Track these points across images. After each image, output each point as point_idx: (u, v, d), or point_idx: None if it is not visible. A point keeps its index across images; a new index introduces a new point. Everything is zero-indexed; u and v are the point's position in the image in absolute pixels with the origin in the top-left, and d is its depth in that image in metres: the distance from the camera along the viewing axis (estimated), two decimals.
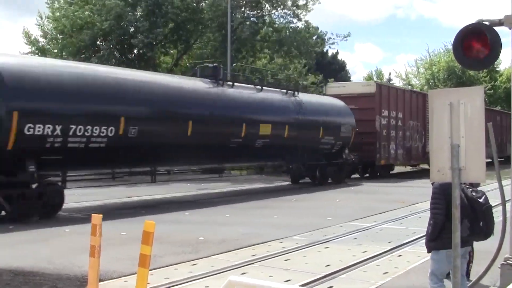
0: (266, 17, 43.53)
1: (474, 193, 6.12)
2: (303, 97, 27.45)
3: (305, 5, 43.24)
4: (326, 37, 50.35)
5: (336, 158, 28.59)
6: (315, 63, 49.08)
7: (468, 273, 8.45)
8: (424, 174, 36.92)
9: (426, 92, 37.66)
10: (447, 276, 7.00)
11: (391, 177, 34.38)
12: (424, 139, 37.22)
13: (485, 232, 6.13)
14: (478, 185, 6.91)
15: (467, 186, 6.14)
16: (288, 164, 28.55)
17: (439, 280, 6.45)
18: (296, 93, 26.79)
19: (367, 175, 34.23)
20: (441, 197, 6.11)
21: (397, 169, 39.31)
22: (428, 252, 6.47)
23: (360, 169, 33.89)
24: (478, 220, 6.06)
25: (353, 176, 33.15)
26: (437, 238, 6.20)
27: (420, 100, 37.90)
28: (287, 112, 25.24)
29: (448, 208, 5.84)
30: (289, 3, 42.90)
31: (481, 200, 6.06)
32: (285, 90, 26.46)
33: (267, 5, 43.05)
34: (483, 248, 8.08)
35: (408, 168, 41.44)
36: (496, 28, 6.83)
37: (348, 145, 29.28)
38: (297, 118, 25.43)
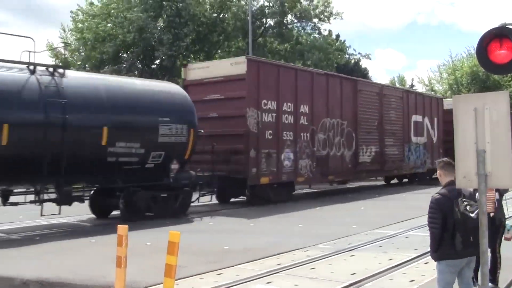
0: (289, 27, 43.62)
1: (468, 207, 6.05)
2: (74, 79, 16.53)
3: (328, 17, 43.45)
4: (347, 51, 50.66)
5: (157, 177, 18.02)
6: (337, 70, 49.01)
7: (496, 281, 8.37)
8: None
9: (357, 79, 29.94)
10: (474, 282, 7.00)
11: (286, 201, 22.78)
12: (355, 145, 27.37)
13: (476, 245, 6.03)
14: (506, 191, 6.86)
15: (464, 199, 6.11)
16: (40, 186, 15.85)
17: None
18: (59, 72, 16.14)
19: (237, 198, 23.68)
20: (437, 211, 6.22)
21: (313, 187, 29.76)
22: (435, 261, 6.55)
23: (228, 191, 22.98)
24: (469, 235, 6.04)
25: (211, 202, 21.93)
26: (438, 250, 6.29)
27: (347, 88, 27.20)
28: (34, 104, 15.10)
29: (444, 221, 6.11)
30: (312, 13, 43.05)
31: (473, 215, 5.99)
32: (32, 67, 15.59)
33: (289, 16, 43.20)
34: (510, 256, 7.99)
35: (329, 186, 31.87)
36: None
37: (183, 156, 18.66)
38: (51, 114, 15.08)
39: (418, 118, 33.96)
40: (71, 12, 40.27)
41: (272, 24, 42.49)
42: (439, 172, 6.57)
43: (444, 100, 37.15)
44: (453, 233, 6.07)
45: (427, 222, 6.45)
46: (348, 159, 27.00)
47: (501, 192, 8.47)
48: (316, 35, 46.30)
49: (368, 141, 29.02)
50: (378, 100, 30.13)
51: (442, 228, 6.14)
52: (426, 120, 34.80)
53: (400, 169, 32.19)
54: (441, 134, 35.94)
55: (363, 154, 28.48)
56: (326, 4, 43.68)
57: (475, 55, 9.50)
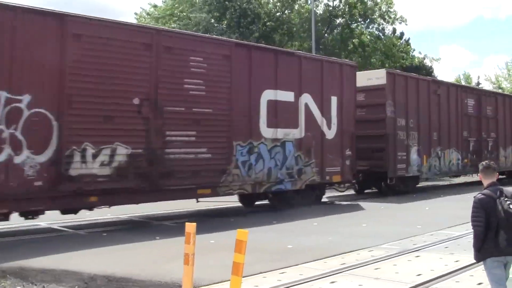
0: (354, 26, 43.35)
1: (511, 205, 6.19)
2: None
3: (392, 20, 43.04)
4: (411, 51, 50.10)
5: None
6: (402, 68, 48.46)
7: None
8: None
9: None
10: None
11: None
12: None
13: None
14: None
15: (506, 199, 6.25)
16: None
17: (499, 285, 6.50)
18: None
19: None
20: (480, 210, 6.34)
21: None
22: (477, 262, 6.76)
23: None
24: None
25: None
26: (481, 249, 6.40)
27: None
28: None
29: (487, 220, 6.25)
30: (377, 13, 42.72)
31: None
32: None
33: (353, 16, 42.96)
34: None
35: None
36: None
37: None
38: None
39: (283, 94, 19.58)
40: (135, 14, 41.08)
41: (338, 23, 42.27)
42: (480, 175, 6.76)
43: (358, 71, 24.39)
44: (497, 231, 6.20)
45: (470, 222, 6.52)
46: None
47: None
48: (380, 34, 45.83)
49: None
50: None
51: (486, 227, 6.26)
52: (306, 100, 20.50)
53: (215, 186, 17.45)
54: (346, 124, 22.15)
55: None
56: (389, 4, 43.25)
57: None
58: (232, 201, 20.95)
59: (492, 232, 6.24)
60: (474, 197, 6.53)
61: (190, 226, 6.32)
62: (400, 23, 43.41)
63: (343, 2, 41.80)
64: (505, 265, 6.47)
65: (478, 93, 33.67)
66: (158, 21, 38.79)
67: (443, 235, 13.86)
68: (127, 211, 17.68)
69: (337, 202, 23.00)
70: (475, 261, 6.71)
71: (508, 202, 6.22)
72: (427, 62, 55.61)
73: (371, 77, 25.81)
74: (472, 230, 6.45)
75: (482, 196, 6.41)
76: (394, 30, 49.70)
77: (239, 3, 38.09)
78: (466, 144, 31.15)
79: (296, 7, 41.43)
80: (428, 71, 58.65)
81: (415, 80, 27.56)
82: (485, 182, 6.60)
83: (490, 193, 6.39)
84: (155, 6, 40.75)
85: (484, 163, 6.84)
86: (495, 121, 33.62)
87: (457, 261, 10.71)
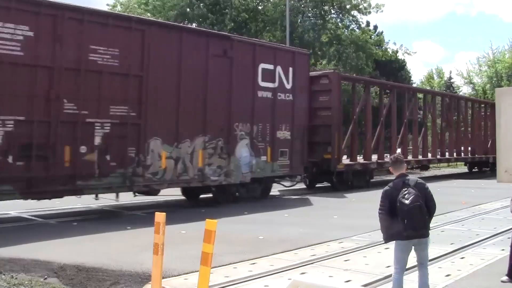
0: (327, 18, 43.20)
1: (406, 195, 6.86)
2: None
3: (367, 10, 42.94)
4: (385, 44, 50.33)
5: None
6: (375, 62, 48.63)
7: None
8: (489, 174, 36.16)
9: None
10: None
11: None
12: None
13: (414, 228, 6.92)
14: None
15: (405, 189, 6.92)
16: None
17: (398, 267, 7.24)
18: None
19: None
20: (385, 200, 7.03)
21: None
22: (385, 243, 7.68)
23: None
24: (405, 219, 6.83)
25: None
26: (390, 233, 7.08)
27: None
28: None
29: (391, 208, 6.92)
30: (348, 6, 42.63)
31: (407, 202, 6.79)
32: None
33: (326, 7, 42.79)
34: None
35: None
36: None
37: None
38: None
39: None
40: (107, 5, 40.70)
41: (310, 16, 42.12)
42: (390, 167, 7.43)
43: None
44: (402, 218, 6.86)
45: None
46: None
47: None
48: (355, 28, 45.83)
49: None
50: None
51: (388, 213, 6.96)
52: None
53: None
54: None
55: None
56: None
57: None
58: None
59: (398, 219, 6.87)
60: (384, 188, 7.16)
61: (160, 216, 6.29)
62: (376, 12, 43.28)
63: None
64: (413, 247, 7.16)
65: None
66: (130, 8, 38.40)
67: None
68: (98, 201, 17.54)
69: (285, 197, 22.93)
70: (383, 241, 7.47)
71: (405, 192, 6.88)
72: (400, 55, 55.92)
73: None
74: (378, 216, 7.13)
75: (388, 187, 7.10)
76: (368, 23, 49.88)
77: None
78: None
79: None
80: (401, 65, 59.06)
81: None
82: (395, 174, 7.26)
83: (395, 184, 7.07)
84: None
85: (393, 156, 7.59)
86: None
87: None
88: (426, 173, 38.26)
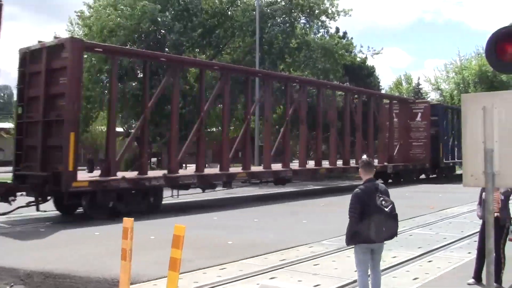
0: (295, 24, 43.19)
1: (383, 202, 6.90)
2: None
3: (335, 15, 43.02)
4: (354, 49, 50.62)
5: None
6: (344, 68, 48.86)
7: (500, 281, 8.37)
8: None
9: None
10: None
11: None
12: None
13: (388, 235, 7.07)
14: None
15: (380, 195, 6.95)
16: None
17: (362, 270, 7.22)
18: None
19: None
20: (356, 203, 6.97)
21: None
22: (347, 246, 7.52)
23: None
24: (381, 225, 6.87)
25: None
26: (353, 236, 7.01)
27: None
28: None
29: (361, 212, 6.87)
30: (317, 12, 42.68)
31: (387, 210, 6.86)
32: None
33: (295, 13, 42.77)
34: None
35: None
36: None
37: None
38: None
39: None
40: (75, 12, 40.26)
41: (279, 21, 42.06)
42: (360, 170, 7.32)
43: None
44: (369, 223, 6.84)
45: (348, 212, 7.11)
46: None
47: (507, 193, 8.50)
48: (324, 33, 45.95)
49: None
50: None
51: (360, 217, 6.88)
52: None
53: None
54: None
55: None
56: (331, 1, 43.18)
57: (484, 54, 9.50)
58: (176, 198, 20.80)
59: (364, 223, 6.85)
60: (354, 191, 7.11)
61: (128, 221, 6.25)
62: (344, 15, 43.35)
63: None
64: (373, 252, 7.16)
65: None
66: (99, 13, 37.99)
67: None
68: None
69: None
70: (345, 245, 7.47)
71: (381, 198, 6.90)
72: (369, 61, 56.33)
73: None
74: (349, 219, 7.00)
75: (359, 191, 7.03)
76: (338, 29, 50.16)
77: None
78: None
79: (240, 4, 41.14)
80: (370, 71, 59.57)
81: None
82: (365, 178, 7.19)
83: (366, 188, 7.04)
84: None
85: (364, 160, 7.39)
86: None
87: (394, 257, 10.87)
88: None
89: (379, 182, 7.37)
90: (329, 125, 30.66)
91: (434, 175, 38.56)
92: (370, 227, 6.83)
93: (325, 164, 29.80)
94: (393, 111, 36.82)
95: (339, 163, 30.73)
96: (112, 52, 20.75)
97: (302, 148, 28.34)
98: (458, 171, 42.13)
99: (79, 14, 39.76)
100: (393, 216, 6.95)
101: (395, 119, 36.85)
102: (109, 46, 24.24)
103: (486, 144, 5.53)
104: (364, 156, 7.61)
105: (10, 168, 18.40)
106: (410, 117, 37.57)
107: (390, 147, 35.33)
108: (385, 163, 33.38)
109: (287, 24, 41.52)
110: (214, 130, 43.16)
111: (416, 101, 40.82)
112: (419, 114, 37.63)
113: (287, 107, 27.18)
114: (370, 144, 33.76)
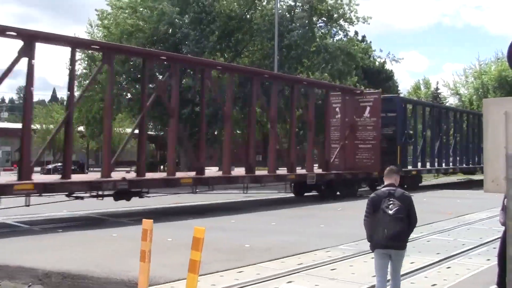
0: (314, 28, 43.19)
1: (390, 205, 6.94)
2: None
3: (354, 21, 42.98)
4: (372, 53, 50.60)
5: None
6: (363, 72, 48.79)
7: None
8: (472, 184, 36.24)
9: None
10: None
11: None
12: None
13: (392, 239, 6.93)
14: None
15: (391, 199, 7.00)
16: None
17: (379, 276, 7.23)
18: None
19: None
20: (369, 207, 7.14)
21: None
22: (371, 252, 7.39)
23: None
24: (385, 229, 6.92)
25: None
26: (372, 241, 7.14)
27: None
28: None
29: (374, 216, 7.01)
30: (336, 16, 42.66)
31: (390, 212, 6.89)
32: None
33: (314, 18, 42.79)
34: None
35: None
36: None
37: None
38: None
39: None
40: (96, 10, 40.45)
41: (299, 25, 42.01)
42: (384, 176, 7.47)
43: None
44: (377, 226, 6.97)
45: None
46: None
47: None
48: (343, 37, 45.92)
49: None
50: None
51: (371, 220, 7.05)
52: None
53: None
54: None
55: None
56: (351, 4, 43.12)
57: (504, 59, 9.40)
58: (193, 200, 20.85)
59: (379, 228, 6.95)
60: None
61: (147, 223, 6.26)
62: (363, 22, 43.32)
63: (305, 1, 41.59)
64: (391, 257, 7.11)
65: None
66: (121, 12, 38.20)
67: None
68: (83, 207, 17.49)
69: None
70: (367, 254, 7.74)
71: (390, 202, 6.96)
72: (388, 65, 56.19)
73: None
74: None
75: (373, 195, 7.21)
76: (356, 33, 50.06)
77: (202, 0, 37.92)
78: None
79: (259, 7, 41.22)
80: (388, 75, 59.40)
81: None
82: (385, 182, 7.33)
83: (381, 192, 7.15)
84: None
85: (389, 167, 7.59)
86: None
87: (412, 262, 10.80)
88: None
89: (400, 189, 7.28)
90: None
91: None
92: (378, 231, 6.96)
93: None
94: (331, 104, 29.40)
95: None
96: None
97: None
98: (426, 181, 38.73)
99: (99, 13, 39.97)
100: (395, 218, 6.92)
101: (338, 115, 29.36)
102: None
103: (508, 149, 5.48)
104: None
105: None
106: (356, 113, 29.07)
107: (327, 151, 28.00)
108: (306, 172, 26.01)
109: (307, 28, 41.47)
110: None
111: (364, 91, 30.61)
112: (368, 109, 29.00)
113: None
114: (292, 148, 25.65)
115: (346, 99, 29.01)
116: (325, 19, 43.58)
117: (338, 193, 26.44)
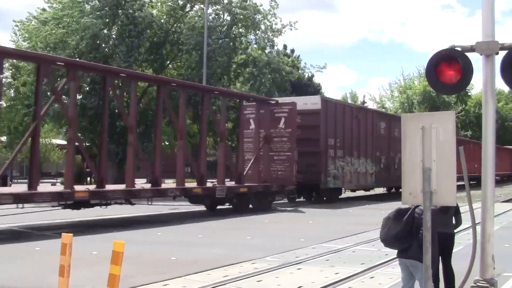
0: (241, 39, 43.27)
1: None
2: None
3: (279, 30, 43.01)
4: (301, 66, 51.15)
5: None
6: (291, 85, 49.23)
7: None
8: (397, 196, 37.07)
9: None
10: None
11: None
12: None
13: (402, 251, 7.04)
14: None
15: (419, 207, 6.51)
16: None
17: (403, 283, 7.31)
18: None
19: None
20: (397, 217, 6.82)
21: None
22: None
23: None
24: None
25: None
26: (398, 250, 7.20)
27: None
28: None
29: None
30: (263, 27, 42.67)
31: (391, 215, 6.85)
32: None
33: (238, 29, 42.74)
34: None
35: None
36: (468, 54, 6.91)
37: None
38: None
39: None
40: (14, 21, 39.58)
41: (224, 36, 41.91)
42: None
43: None
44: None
45: None
46: None
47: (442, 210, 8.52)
48: (272, 50, 46.02)
49: None
50: None
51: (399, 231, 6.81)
52: None
53: None
54: None
55: None
56: (274, 16, 42.90)
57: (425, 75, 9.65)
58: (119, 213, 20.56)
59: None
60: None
61: (67, 237, 6.15)
62: (291, 29, 43.35)
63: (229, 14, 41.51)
64: (408, 268, 7.07)
65: (388, 117, 39.72)
66: (46, 25, 37.38)
67: (324, 248, 14.18)
68: (7, 220, 16.99)
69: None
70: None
71: (417, 210, 6.57)
72: (316, 78, 57.01)
73: (307, 102, 30.24)
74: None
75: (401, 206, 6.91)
76: (285, 46, 50.52)
77: (130, 11, 37.44)
78: (379, 161, 35.94)
79: (188, 19, 40.95)
80: (316, 88, 60.32)
81: (342, 106, 33.14)
82: None
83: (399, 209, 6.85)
84: (44, 10, 39.26)
85: None
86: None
87: (337, 273, 10.96)
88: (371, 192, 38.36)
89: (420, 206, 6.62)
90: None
91: (307, 199, 32.07)
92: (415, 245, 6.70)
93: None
94: (245, 114, 28.69)
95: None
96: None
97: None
98: (346, 193, 37.20)
99: (18, 24, 39.09)
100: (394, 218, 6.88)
101: (252, 126, 28.62)
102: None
103: (425, 163, 5.66)
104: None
105: None
106: (272, 124, 28.13)
107: (240, 163, 26.84)
108: (216, 185, 24.57)
109: (228, 39, 41.45)
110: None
111: (280, 102, 29.38)
112: (283, 120, 28.23)
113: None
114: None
115: (260, 110, 28.19)
116: (252, 30, 43.29)
117: (250, 206, 25.64)
